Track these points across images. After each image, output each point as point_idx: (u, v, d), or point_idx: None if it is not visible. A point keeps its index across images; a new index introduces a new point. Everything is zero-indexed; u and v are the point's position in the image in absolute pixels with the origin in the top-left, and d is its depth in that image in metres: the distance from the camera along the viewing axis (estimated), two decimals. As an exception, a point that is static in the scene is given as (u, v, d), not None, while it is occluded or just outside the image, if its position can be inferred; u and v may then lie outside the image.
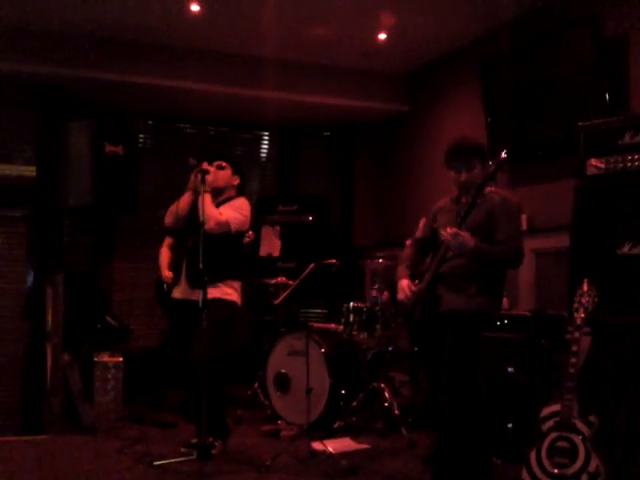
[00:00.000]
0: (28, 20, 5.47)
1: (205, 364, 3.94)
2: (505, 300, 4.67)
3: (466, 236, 3.41)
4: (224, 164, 4.51)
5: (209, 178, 4.22)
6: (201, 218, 4.11)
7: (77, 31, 5.69)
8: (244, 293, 4.46)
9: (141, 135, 7.08)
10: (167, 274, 5.31)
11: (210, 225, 4.14)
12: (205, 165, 4.23)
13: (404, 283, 3.75)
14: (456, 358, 3.50)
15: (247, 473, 3.91)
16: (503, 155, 3.45)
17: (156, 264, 5.51)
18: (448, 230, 3.43)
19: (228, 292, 4.28)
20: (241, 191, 4.63)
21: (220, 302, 4.19)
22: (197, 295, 4.04)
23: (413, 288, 3.69)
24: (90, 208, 5.64)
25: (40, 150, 5.77)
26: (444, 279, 3.59)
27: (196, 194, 4.28)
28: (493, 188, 3.59)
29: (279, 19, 5.42)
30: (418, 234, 3.99)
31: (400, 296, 3.76)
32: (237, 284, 4.37)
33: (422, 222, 4.12)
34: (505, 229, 3.53)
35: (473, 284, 3.54)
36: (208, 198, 4.19)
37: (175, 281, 4.44)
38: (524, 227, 5.07)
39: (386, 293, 5.09)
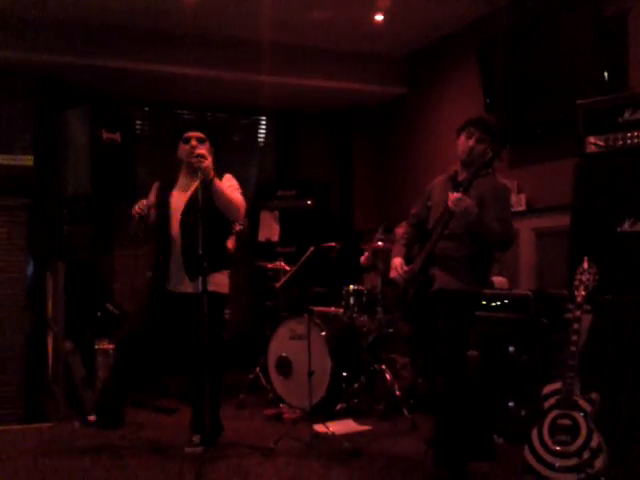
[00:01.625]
0: (23, 8, 5.44)
1: (207, 360, 3.78)
2: (505, 280, 4.69)
3: (470, 202, 3.39)
4: (203, 136, 4.12)
5: (207, 163, 3.85)
6: (224, 206, 3.95)
7: (72, 19, 5.66)
8: (245, 279, 4.41)
9: (139, 122, 7.06)
10: None
11: (241, 215, 4.09)
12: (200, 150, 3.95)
13: (397, 261, 3.77)
14: (449, 339, 3.52)
15: (251, 456, 3.94)
16: (489, 154, 3.49)
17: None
18: (453, 195, 3.40)
19: (221, 283, 4.12)
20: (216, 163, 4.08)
21: (213, 295, 3.93)
22: (189, 287, 3.98)
23: (405, 268, 3.70)
24: (89, 196, 5.64)
25: (38, 139, 5.74)
26: (436, 260, 3.60)
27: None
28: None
29: (275, 2, 5.38)
30: (413, 211, 3.98)
31: (392, 274, 3.78)
32: (227, 272, 4.21)
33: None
34: (494, 211, 3.52)
35: (463, 265, 3.56)
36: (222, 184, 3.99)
37: (163, 274, 4.12)
38: (524, 207, 5.08)
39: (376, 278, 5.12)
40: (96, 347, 5.14)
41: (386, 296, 4.97)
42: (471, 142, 3.63)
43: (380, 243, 5.11)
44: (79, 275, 5.75)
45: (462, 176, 3.65)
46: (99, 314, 5.50)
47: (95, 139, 5.55)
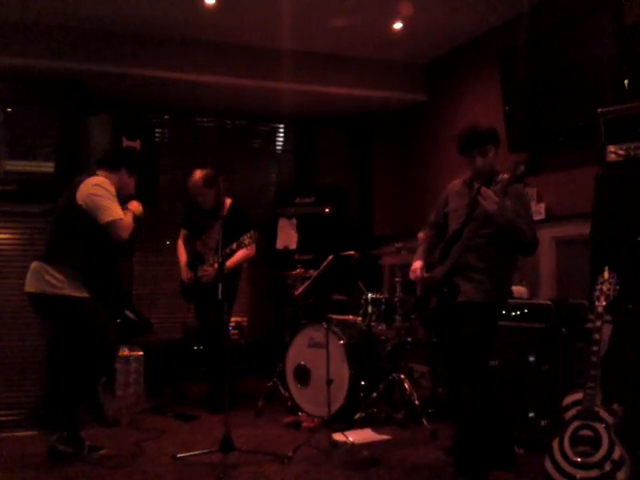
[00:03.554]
0: (46, 16, 5.51)
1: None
2: (525, 289, 4.66)
3: (497, 199, 3.38)
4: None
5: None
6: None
7: (95, 26, 5.73)
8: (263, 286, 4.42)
9: (158, 129, 7.12)
10: (186, 275, 5.38)
11: None
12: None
13: (417, 264, 3.79)
14: (473, 349, 3.51)
15: (270, 464, 3.94)
16: (521, 169, 3.38)
17: (175, 257, 5.57)
18: (485, 192, 3.40)
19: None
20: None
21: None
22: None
23: (425, 274, 3.70)
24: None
25: (59, 146, 5.79)
26: (459, 270, 3.59)
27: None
28: (505, 175, 3.55)
29: (295, 10, 5.40)
30: (431, 218, 3.98)
31: (411, 276, 3.80)
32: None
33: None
34: (520, 214, 3.50)
35: (485, 275, 3.55)
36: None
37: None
38: (543, 216, 5.05)
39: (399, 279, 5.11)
40: (116, 353, 5.15)
41: (405, 304, 4.95)
42: (478, 163, 3.62)
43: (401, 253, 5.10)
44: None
45: (477, 183, 3.65)
46: (118, 320, 5.53)
47: (116, 146, 5.60)
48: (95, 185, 3.97)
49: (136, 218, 4.19)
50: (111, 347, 4.12)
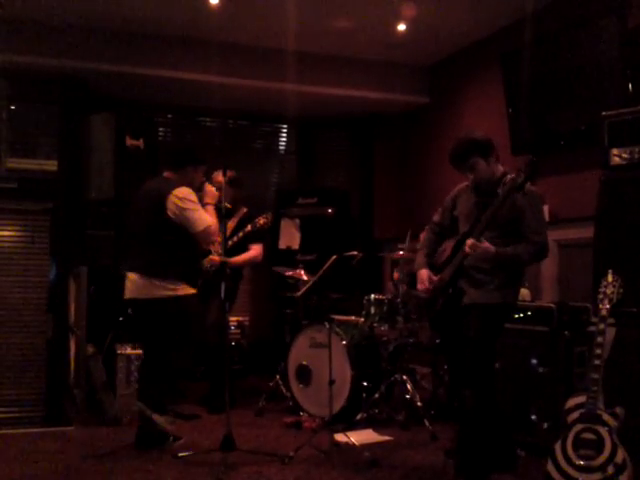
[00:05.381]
0: (49, 14, 5.51)
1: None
2: (527, 292, 4.66)
3: (484, 245, 3.39)
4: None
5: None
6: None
7: (98, 25, 5.73)
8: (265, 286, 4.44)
9: (161, 128, 7.12)
10: None
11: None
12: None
13: (424, 274, 3.76)
14: (478, 352, 3.51)
15: (271, 464, 3.93)
16: (522, 177, 3.34)
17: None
18: (468, 242, 3.41)
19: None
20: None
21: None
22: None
23: (433, 278, 3.69)
24: (112, 201, 5.69)
25: (62, 144, 5.81)
26: (464, 272, 3.59)
27: None
28: (509, 176, 3.53)
29: (299, 11, 5.41)
30: (436, 218, 3.97)
31: (420, 287, 3.77)
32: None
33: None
34: (528, 223, 3.50)
35: (493, 277, 3.54)
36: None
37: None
38: (547, 219, 5.04)
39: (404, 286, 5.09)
40: (118, 352, 5.15)
41: (407, 305, 4.95)
42: (470, 177, 3.64)
43: (401, 253, 5.09)
44: (101, 279, 5.79)
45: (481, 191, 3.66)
46: (121, 319, 5.53)
47: (119, 145, 5.61)
48: (183, 199, 4.11)
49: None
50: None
